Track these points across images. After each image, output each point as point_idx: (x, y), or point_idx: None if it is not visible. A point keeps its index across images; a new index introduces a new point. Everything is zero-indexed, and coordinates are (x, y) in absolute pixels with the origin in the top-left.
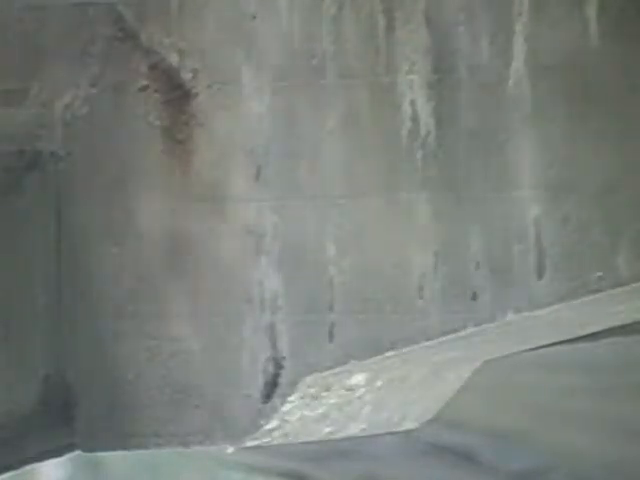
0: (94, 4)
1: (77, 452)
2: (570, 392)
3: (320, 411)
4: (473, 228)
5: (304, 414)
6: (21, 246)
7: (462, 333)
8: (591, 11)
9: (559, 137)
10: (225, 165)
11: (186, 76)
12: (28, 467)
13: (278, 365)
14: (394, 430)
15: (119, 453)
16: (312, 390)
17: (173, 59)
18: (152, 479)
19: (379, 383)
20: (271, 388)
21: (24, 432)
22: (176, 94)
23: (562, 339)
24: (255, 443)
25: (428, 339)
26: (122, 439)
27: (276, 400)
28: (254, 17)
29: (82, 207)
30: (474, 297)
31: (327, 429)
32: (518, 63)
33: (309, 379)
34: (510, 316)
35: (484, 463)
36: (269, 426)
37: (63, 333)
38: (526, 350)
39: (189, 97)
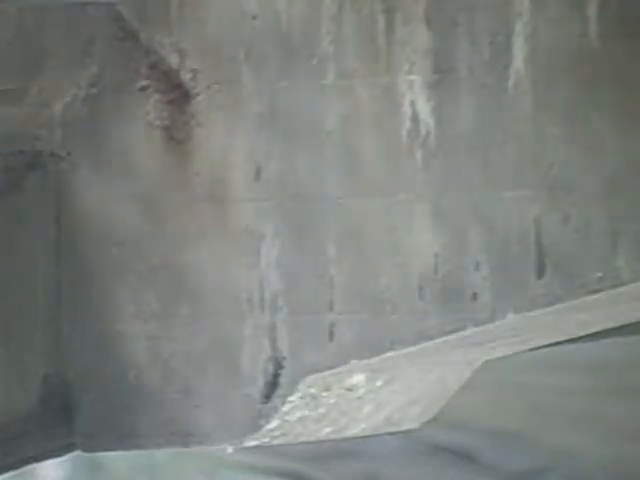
0: (94, 4)
1: (77, 452)
2: (570, 392)
3: (320, 411)
4: (473, 228)
5: (304, 414)
6: (21, 246)
7: (462, 333)
8: (591, 11)
9: (559, 137)
10: (225, 165)
11: (186, 76)
12: (28, 467)
13: (278, 365)
14: (394, 430)
15: (119, 453)
16: (312, 390)
17: (173, 59)
18: (152, 479)
19: (379, 383)
20: (271, 388)
21: (24, 432)
22: (176, 94)
23: (562, 339)
24: (255, 443)
25: (428, 339)
26: (122, 439)
27: (276, 400)
28: (254, 17)
29: (82, 207)
30: (474, 297)
31: (327, 429)
32: (518, 63)
33: (309, 379)
34: (510, 316)
35: (484, 463)
36: (269, 426)
37: (63, 333)
38: (526, 350)
39: (189, 97)
